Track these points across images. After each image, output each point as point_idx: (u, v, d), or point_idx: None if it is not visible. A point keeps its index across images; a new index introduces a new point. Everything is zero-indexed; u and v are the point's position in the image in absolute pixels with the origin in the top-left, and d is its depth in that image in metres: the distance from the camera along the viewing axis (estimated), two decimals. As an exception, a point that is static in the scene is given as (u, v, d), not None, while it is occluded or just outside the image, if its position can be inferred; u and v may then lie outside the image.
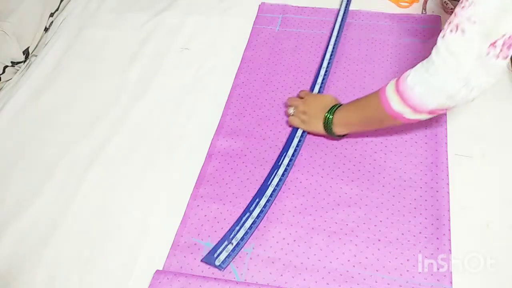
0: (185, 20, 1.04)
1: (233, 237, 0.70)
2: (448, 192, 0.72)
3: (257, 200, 0.74)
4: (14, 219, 0.76)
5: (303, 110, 0.80)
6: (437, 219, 0.70)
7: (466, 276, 0.65)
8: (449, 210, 0.70)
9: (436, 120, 0.80)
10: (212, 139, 0.83)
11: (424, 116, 0.62)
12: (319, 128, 0.78)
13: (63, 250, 0.72)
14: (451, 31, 0.55)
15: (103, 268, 0.70)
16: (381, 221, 0.71)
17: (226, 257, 0.68)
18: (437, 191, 0.73)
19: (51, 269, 0.70)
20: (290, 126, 0.83)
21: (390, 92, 0.63)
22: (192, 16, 1.05)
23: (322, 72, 0.89)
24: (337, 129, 0.75)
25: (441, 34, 0.56)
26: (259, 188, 0.76)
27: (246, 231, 0.70)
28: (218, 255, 0.68)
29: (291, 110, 0.82)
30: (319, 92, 0.86)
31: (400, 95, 0.61)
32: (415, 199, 0.72)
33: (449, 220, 0.69)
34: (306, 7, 1.02)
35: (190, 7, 1.07)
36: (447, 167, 0.75)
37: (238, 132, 0.84)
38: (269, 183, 0.76)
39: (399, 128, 0.80)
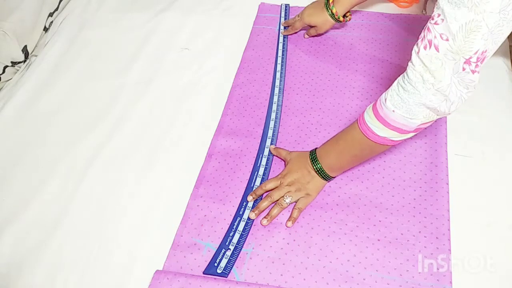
0: (185, 20, 1.04)
1: (229, 243, 0.70)
2: (448, 192, 0.72)
3: (244, 203, 0.74)
4: (14, 219, 0.76)
5: (290, 181, 0.73)
6: (437, 219, 0.70)
7: (466, 276, 0.65)
8: (448, 210, 0.70)
9: (436, 120, 0.80)
10: (212, 139, 0.83)
11: (410, 135, 0.62)
12: (320, 183, 0.73)
13: (63, 250, 0.72)
14: (425, 47, 0.54)
15: (103, 268, 0.70)
16: (380, 221, 0.71)
17: (227, 263, 0.68)
18: (437, 191, 0.73)
19: (51, 269, 0.70)
20: (296, 215, 0.72)
21: (370, 120, 0.62)
22: (192, 16, 1.05)
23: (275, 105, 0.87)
24: (333, 174, 0.73)
25: (415, 49, 0.56)
26: (244, 191, 0.76)
27: (241, 234, 0.71)
28: (218, 263, 0.68)
29: (287, 200, 0.72)
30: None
31: (382, 120, 0.60)
32: (414, 199, 0.72)
33: (448, 220, 0.69)
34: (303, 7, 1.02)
35: (190, 7, 1.07)
36: (447, 167, 0.75)
37: (238, 132, 0.84)
38: (252, 185, 0.76)
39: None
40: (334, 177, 0.74)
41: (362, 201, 0.73)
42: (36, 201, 0.77)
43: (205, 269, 0.68)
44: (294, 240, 0.70)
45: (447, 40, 0.52)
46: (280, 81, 0.90)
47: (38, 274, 0.70)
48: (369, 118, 0.62)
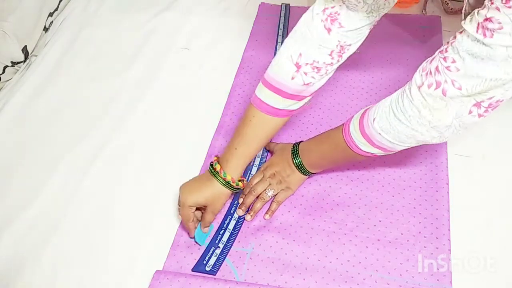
0: (185, 20, 1.04)
1: (219, 241, 0.70)
2: (448, 192, 0.72)
3: (236, 202, 0.74)
4: (14, 219, 0.76)
5: (271, 174, 0.73)
6: (437, 219, 0.70)
7: (466, 276, 0.65)
8: (448, 210, 0.70)
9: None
10: (212, 139, 0.83)
11: (395, 152, 0.61)
12: (299, 177, 0.73)
13: (63, 250, 0.72)
14: (429, 85, 0.50)
15: (103, 268, 0.70)
16: (380, 221, 0.71)
17: (216, 261, 0.68)
18: (437, 191, 0.72)
19: (51, 269, 0.70)
20: (274, 208, 0.72)
21: (355, 134, 0.60)
22: (192, 16, 1.05)
23: None
24: (313, 170, 0.73)
25: (416, 81, 0.52)
26: None
27: (231, 233, 0.71)
28: (207, 261, 0.68)
29: (269, 193, 0.72)
30: None
31: (367, 138, 0.59)
32: (414, 199, 0.72)
33: (448, 220, 0.69)
34: (306, 7, 1.02)
35: (190, 7, 1.07)
36: (447, 167, 0.75)
37: (238, 132, 0.84)
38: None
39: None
40: (314, 173, 0.74)
41: (362, 201, 0.73)
42: (36, 201, 0.77)
43: (194, 266, 0.68)
44: (294, 240, 0.70)
45: (459, 89, 0.48)
46: None
47: (38, 274, 0.70)
48: (354, 132, 0.61)
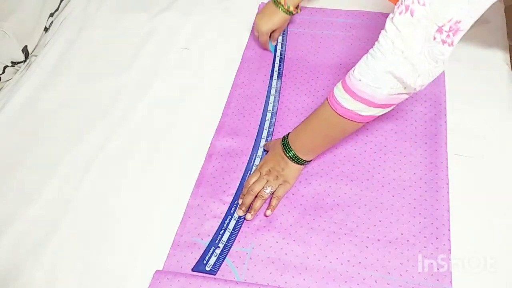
0: (185, 20, 1.04)
1: (219, 241, 0.70)
2: (448, 192, 0.72)
3: (236, 202, 0.74)
4: (14, 219, 0.76)
5: (267, 171, 0.74)
6: (437, 219, 0.70)
7: (466, 276, 0.65)
8: (448, 210, 0.70)
9: (436, 120, 0.80)
10: (212, 139, 0.83)
11: (379, 111, 0.61)
12: (295, 168, 0.73)
13: (63, 250, 0.72)
14: (400, 13, 0.55)
15: (103, 268, 0.70)
16: (380, 221, 0.71)
17: (216, 261, 0.68)
18: (437, 191, 0.73)
19: (51, 269, 0.70)
20: (275, 204, 0.73)
21: (339, 93, 0.63)
22: (192, 16, 1.05)
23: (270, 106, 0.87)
24: (307, 157, 0.73)
25: (390, 16, 0.57)
26: (236, 191, 0.76)
27: (231, 232, 0.71)
28: (207, 261, 0.68)
29: (267, 190, 0.72)
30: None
31: (350, 92, 0.61)
32: (414, 199, 0.72)
33: (448, 220, 0.69)
34: (306, 7, 1.03)
35: (190, 7, 1.07)
36: (447, 167, 0.75)
37: (238, 132, 0.84)
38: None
39: (398, 128, 0.80)
40: (309, 161, 0.74)
41: (362, 201, 0.73)
42: (36, 201, 0.77)
43: (194, 266, 0.68)
44: (294, 240, 0.70)
45: (423, 5, 0.53)
46: (277, 81, 0.90)
47: (38, 274, 0.70)
48: (338, 91, 0.63)
